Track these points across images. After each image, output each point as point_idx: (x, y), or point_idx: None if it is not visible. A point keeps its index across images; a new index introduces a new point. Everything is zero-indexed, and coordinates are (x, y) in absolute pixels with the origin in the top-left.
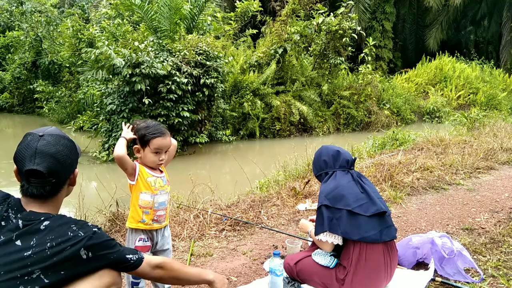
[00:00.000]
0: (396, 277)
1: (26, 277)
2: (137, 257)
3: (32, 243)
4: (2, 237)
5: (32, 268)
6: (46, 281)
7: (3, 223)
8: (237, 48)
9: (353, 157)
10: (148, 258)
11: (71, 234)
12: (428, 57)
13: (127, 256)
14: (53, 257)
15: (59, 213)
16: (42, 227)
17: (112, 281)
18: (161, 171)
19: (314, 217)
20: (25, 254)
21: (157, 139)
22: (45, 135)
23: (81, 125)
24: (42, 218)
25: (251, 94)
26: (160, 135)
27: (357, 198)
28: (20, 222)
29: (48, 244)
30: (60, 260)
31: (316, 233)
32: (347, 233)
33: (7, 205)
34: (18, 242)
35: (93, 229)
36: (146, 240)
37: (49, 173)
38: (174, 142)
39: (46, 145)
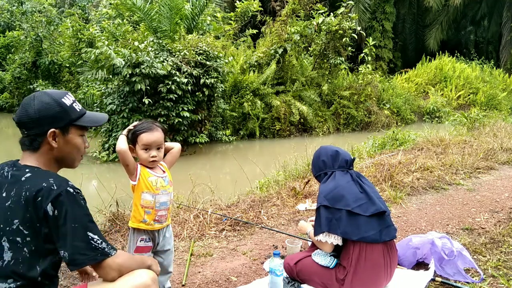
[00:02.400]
0: (396, 277)
1: (8, 228)
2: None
3: (12, 193)
4: None
5: (12, 218)
6: (25, 232)
7: (0, 179)
8: (237, 48)
9: (352, 157)
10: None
11: (44, 185)
12: (428, 57)
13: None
14: (27, 207)
15: None
16: (23, 178)
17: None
18: (164, 171)
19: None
20: (6, 204)
21: (143, 134)
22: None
23: None
24: (27, 170)
25: (251, 94)
26: (147, 130)
27: (357, 198)
28: (9, 174)
29: (23, 193)
30: (32, 211)
31: (316, 234)
32: (347, 233)
33: (10, 165)
34: (4, 194)
35: (67, 188)
36: (147, 240)
37: (18, 123)
38: (177, 146)
39: (27, 97)
